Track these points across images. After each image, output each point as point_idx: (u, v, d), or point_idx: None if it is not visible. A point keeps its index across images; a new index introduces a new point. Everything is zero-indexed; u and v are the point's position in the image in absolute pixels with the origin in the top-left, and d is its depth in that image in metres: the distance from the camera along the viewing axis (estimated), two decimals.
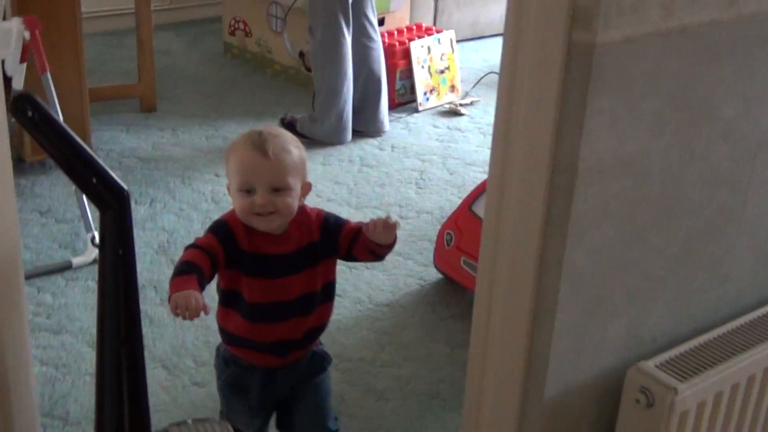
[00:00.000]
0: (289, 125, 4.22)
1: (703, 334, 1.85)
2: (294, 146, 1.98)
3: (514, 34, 1.52)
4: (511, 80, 1.55)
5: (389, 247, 1.99)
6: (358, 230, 2.00)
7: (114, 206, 1.47)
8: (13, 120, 1.50)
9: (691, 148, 1.69)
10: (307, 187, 2.02)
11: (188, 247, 1.94)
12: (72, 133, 1.43)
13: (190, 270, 1.85)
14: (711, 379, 1.73)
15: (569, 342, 1.68)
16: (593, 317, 1.70)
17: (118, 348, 1.51)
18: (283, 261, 1.98)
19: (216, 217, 3.49)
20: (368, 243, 1.98)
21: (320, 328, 2.12)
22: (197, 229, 3.45)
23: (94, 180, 1.44)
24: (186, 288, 1.76)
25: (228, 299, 2.02)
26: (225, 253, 1.94)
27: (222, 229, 1.97)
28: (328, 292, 2.07)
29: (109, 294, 1.50)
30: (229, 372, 2.06)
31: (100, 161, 1.47)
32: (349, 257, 2.05)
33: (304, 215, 2.03)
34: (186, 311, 1.70)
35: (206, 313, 1.73)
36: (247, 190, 1.91)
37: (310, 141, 4.17)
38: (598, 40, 1.43)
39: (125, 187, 1.48)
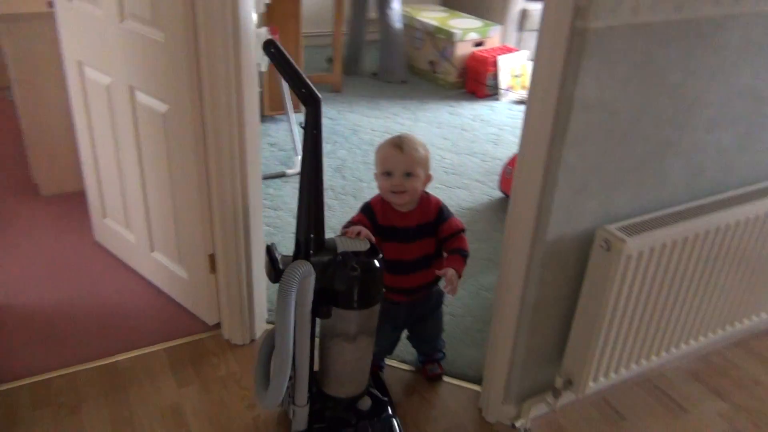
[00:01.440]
0: None
1: (648, 214, 1.81)
2: (421, 148, 1.83)
3: (544, 22, 1.51)
4: (539, 51, 1.54)
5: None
6: (450, 236, 1.86)
7: (312, 104, 1.50)
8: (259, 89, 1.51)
9: (647, 99, 1.63)
10: (429, 178, 1.85)
11: (348, 223, 1.81)
12: (293, 62, 1.48)
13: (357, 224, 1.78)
14: (648, 238, 1.70)
15: (563, 209, 1.67)
16: (579, 196, 1.67)
17: (309, 184, 1.57)
18: (408, 232, 1.84)
19: (368, 155, 3.59)
20: (447, 250, 1.87)
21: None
22: (358, 160, 3.53)
23: (303, 90, 1.48)
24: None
25: None
26: (371, 225, 1.83)
27: (367, 209, 1.86)
28: (441, 251, 1.90)
29: (307, 153, 1.56)
30: (384, 306, 1.78)
31: (306, 79, 1.49)
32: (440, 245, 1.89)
33: (427, 202, 1.87)
34: (357, 232, 1.68)
35: (372, 240, 1.68)
36: (388, 173, 1.81)
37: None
38: (590, 26, 1.43)
39: (319, 95, 1.50)
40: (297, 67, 1.48)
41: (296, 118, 3.60)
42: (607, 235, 1.69)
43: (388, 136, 1.90)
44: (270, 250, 1.60)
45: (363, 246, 1.65)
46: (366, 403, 1.80)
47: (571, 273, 1.80)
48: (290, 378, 1.65)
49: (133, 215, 2.40)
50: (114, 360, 2.13)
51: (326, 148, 3.67)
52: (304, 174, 1.57)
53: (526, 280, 1.76)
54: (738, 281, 2.05)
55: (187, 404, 1.98)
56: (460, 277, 1.78)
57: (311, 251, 1.60)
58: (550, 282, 1.78)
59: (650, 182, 1.80)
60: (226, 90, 1.86)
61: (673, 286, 1.88)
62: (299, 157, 3.39)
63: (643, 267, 1.75)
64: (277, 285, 1.57)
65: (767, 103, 1.90)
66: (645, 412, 2.07)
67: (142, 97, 2.10)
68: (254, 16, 1.89)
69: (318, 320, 1.69)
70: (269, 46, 1.46)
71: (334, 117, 4.09)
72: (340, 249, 1.63)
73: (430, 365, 2.15)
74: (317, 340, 1.74)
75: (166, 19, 1.87)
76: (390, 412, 1.83)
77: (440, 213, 1.87)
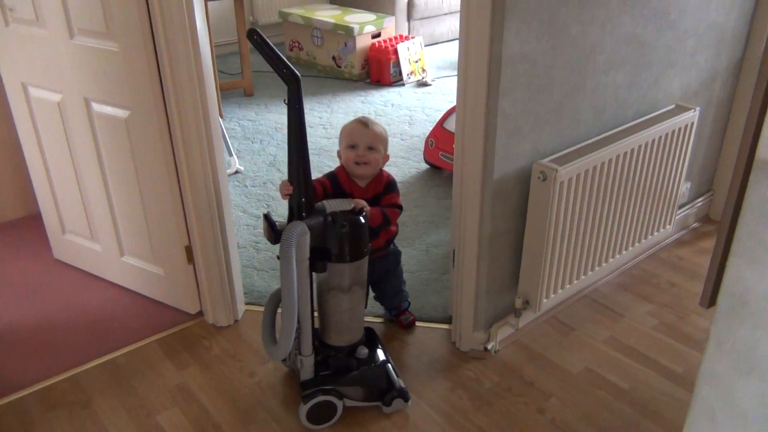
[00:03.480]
0: None
1: (568, 149, 2.13)
2: (382, 129, 2.06)
3: None
4: (466, 17, 1.82)
5: (379, 226, 2.02)
6: (386, 205, 2.04)
7: (294, 82, 1.70)
8: None
9: (557, 50, 1.94)
10: (386, 158, 2.06)
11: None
12: (273, 46, 1.66)
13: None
14: (575, 166, 2.02)
15: (503, 150, 1.95)
16: (514, 138, 1.96)
17: (297, 155, 1.77)
18: (366, 201, 1.97)
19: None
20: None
21: (393, 236, 2.20)
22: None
23: (284, 70, 1.68)
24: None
25: None
26: (333, 189, 2.03)
27: (332, 175, 2.07)
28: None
29: (293, 127, 1.74)
30: None
31: (287, 61, 1.67)
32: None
33: (380, 176, 2.07)
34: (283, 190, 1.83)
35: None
36: (352, 146, 2.01)
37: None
38: None
39: (299, 74, 1.71)
40: (278, 51, 1.70)
41: (222, 123, 3.77)
42: (542, 167, 2.02)
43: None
44: (268, 216, 1.81)
45: (348, 206, 1.86)
46: (363, 351, 2.03)
47: (516, 206, 2.12)
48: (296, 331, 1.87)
49: (97, 225, 2.52)
50: (110, 357, 2.26)
51: (254, 147, 3.85)
52: (291, 146, 1.77)
53: (481, 216, 2.06)
54: (643, 198, 2.45)
55: (191, 383, 2.16)
56: (375, 220, 1.97)
57: (303, 214, 1.81)
58: (500, 216, 2.09)
59: (566, 121, 2.14)
60: (190, 90, 2.04)
61: (597, 206, 2.24)
62: (233, 158, 3.57)
63: (572, 192, 2.10)
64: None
65: (648, 46, 2.30)
66: (589, 321, 2.44)
67: (99, 108, 2.24)
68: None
69: (315, 277, 1.90)
70: (252, 35, 1.67)
71: (254, 119, 4.26)
72: (329, 210, 1.82)
73: (402, 316, 2.41)
74: (316, 296, 1.95)
75: (122, 30, 2.03)
76: (384, 357, 2.07)
77: (387, 185, 2.10)
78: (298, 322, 1.87)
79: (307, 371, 1.97)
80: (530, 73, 1.94)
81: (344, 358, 2.02)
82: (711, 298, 0.95)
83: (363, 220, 1.86)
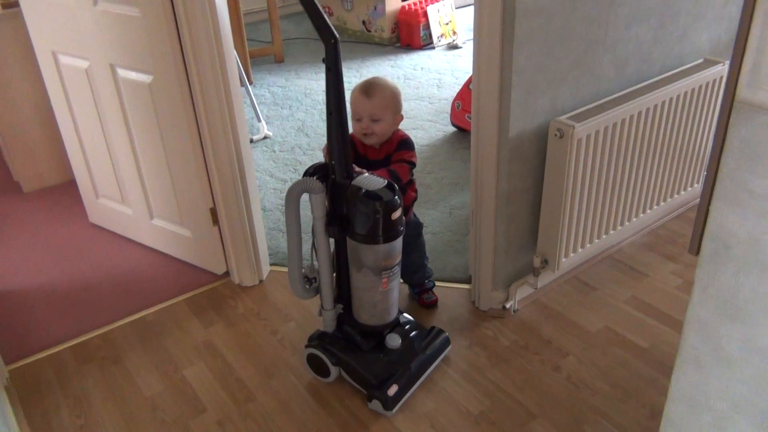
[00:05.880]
0: None
1: (587, 105, 2.08)
2: (390, 91, 1.94)
3: None
4: None
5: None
6: (396, 161, 1.97)
7: (331, 42, 1.64)
8: None
9: (575, 2, 1.89)
10: (399, 118, 1.98)
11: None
12: (317, 3, 1.62)
13: None
14: (592, 123, 1.99)
15: (519, 107, 1.92)
16: (530, 94, 1.93)
17: (330, 116, 1.73)
18: (377, 163, 1.98)
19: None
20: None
21: (412, 202, 2.10)
22: (317, 118, 3.73)
23: (321, 29, 1.63)
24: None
25: None
26: (353, 152, 1.96)
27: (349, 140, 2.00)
28: (411, 181, 2.04)
29: (329, 86, 1.69)
30: None
31: (328, 20, 1.62)
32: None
33: (393, 136, 2.00)
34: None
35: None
36: (357, 119, 1.95)
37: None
38: None
39: (337, 34, 1.64)
40: (320, 9, 1.65)
41: (251, 89, 3.80)
42: (559, 124, 1.99)
43: None
44: (320, 168, 1.82)
45: (376, 185, 1.74)
46: (394, 341, 1.95)
47: (533, 164, 2.10)
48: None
49: (128, 189, 2.59)
50: (140, 316, 2.35)
51: (283, 113, 3.88)
52: (328, 105, 1.73)
53: (498, 174, 2.04)
54: (669, 156, 2.39)
55: (217, 339, 2.23)
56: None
57: (333, 176, 1.79)
58: (518, 174, 2.07)
59: (586, 77, 2.09)
60: (209, 54, 2.07)
61: (618, 164, 2.20)
62: (262, 124, 3.61)
63: (591, 149, 2.06)
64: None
65: None
66: (611, 281, 2.42)
67: (124, 73, 2.29)
68: None
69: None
70: None
71: (284, 85, 4.28)
72: (353, 183, 1.75)
73: (425, 295, 2.33)
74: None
75: None
76: (411, 364, 1.96)
77: (399, 144, 2.02)
78: (319, 274, 1.90)
79: (328, 324, 2.00)
80: (546, 26, 1.90)
81: (358, 332, 1.96)
82: (699, 245, 0.94)
83: (392, 204, 1.73)
